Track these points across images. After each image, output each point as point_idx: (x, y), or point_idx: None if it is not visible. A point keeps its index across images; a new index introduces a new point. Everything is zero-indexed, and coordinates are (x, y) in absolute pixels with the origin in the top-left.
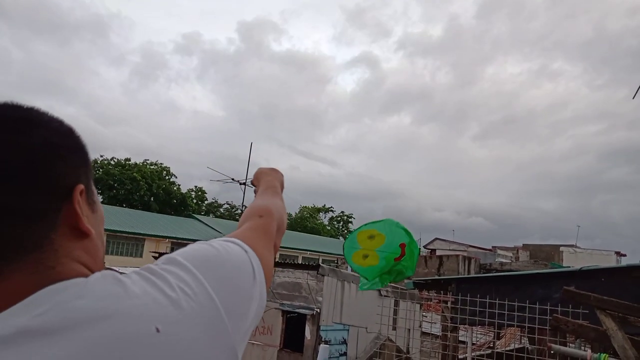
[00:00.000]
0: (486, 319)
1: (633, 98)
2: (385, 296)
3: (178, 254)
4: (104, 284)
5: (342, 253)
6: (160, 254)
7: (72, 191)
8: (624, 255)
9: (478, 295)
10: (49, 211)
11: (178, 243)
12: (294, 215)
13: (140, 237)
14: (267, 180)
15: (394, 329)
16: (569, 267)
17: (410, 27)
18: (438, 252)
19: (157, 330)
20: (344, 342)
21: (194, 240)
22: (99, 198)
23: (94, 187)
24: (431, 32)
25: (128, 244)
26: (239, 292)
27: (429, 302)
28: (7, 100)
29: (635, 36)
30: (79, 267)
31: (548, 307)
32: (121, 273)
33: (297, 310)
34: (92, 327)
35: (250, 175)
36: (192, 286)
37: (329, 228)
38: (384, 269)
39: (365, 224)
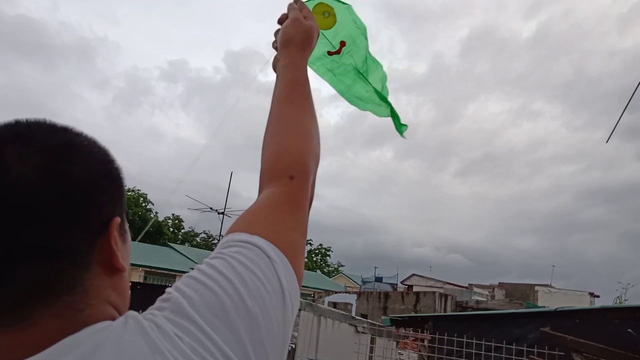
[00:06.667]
0: (463, 359)
1: (607, 142)
2: (362, 333)
3: (186, 300)
4: (125, 333)
5: (318, 287)
6: (133, 284)
7: (107, 225)
8: (597, 297)
9: (455, 334)
10: (83, 249)
11: (151, 272)
12: None
13: None
14: (292, 57)
15: None
16: (544, 307)
17: (396, 63)
18: (415, 289)
19: None
20: None
21: (168, 270)
22: None
23: (125, 215)
24: (415, 69)
25: None
26: (266, 338)
27: (405, 340)
28: (41, 118)
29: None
30: (107, 309)
31: (525, 348)
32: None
33: None
34: None
35: (230, 205)
36: (210, 351)
37: (306, 261)
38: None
39: None
